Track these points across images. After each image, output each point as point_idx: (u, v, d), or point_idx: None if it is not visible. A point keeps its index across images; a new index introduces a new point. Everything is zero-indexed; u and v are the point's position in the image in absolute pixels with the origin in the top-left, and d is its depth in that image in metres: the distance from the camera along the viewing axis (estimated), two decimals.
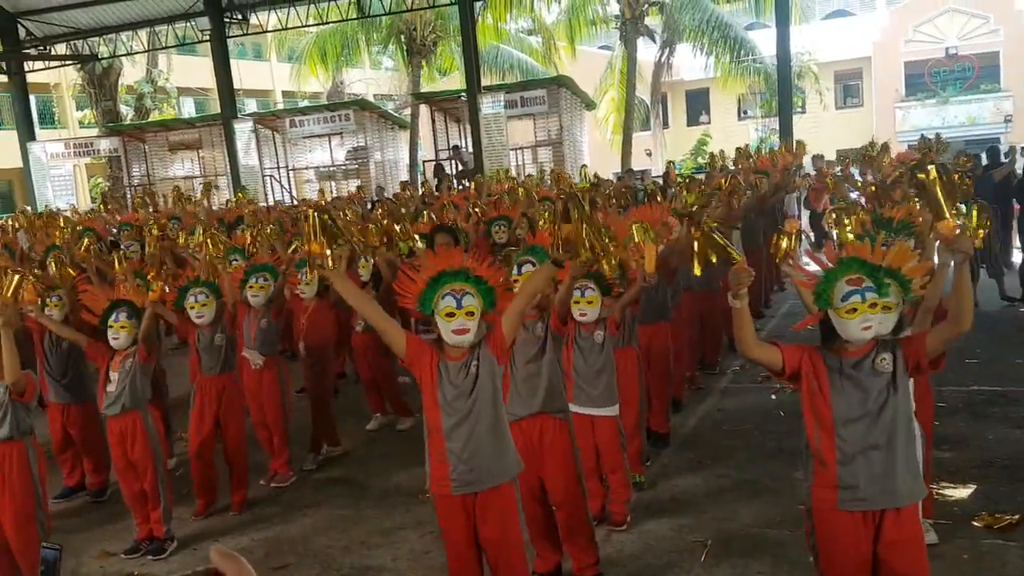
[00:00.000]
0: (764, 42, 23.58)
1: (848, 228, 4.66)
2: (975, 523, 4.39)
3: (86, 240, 8.00)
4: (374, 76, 36.90)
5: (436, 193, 14.47)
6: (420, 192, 14.43)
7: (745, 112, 34.17)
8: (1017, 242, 11.33)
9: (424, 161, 24.34)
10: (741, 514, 4.85)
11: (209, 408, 5.54)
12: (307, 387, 6.80)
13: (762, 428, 6.22)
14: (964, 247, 2.94)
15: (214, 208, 15.15)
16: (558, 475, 4.12)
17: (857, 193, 8.39)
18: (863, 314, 3.00)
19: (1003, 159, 11.94)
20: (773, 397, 6.93)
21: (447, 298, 3.42)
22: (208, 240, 5.90)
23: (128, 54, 24.41)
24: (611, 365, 4.67)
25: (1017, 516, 4.32)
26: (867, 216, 4.97)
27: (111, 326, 5.02)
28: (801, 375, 3.17)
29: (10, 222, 15.10)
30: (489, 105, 19.05)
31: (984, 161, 11.94)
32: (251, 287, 5.95)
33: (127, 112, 27.48)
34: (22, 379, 4.43)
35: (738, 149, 14.05)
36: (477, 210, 9.37)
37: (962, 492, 4.64)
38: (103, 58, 23.65)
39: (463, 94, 19.81)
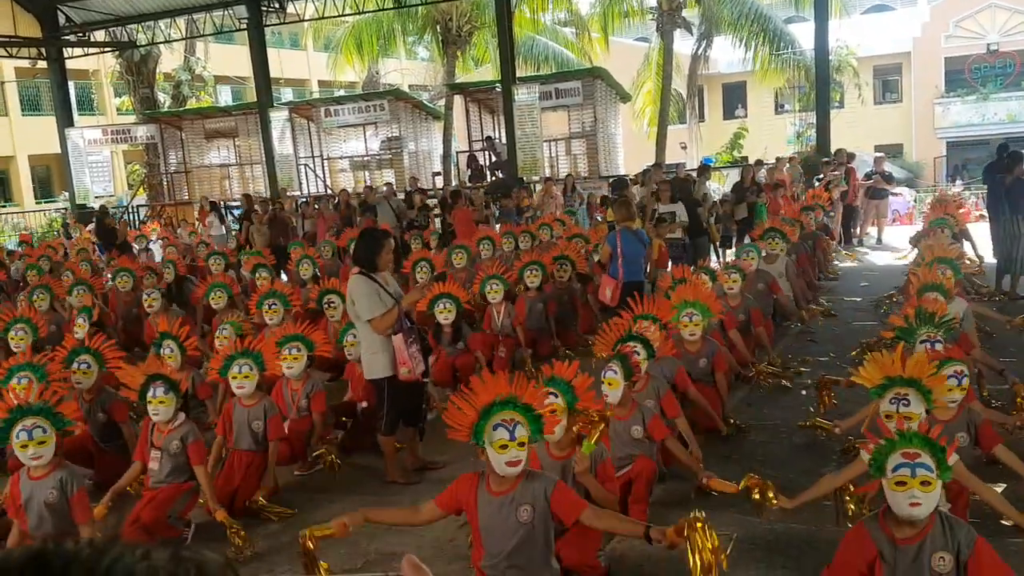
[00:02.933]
0: (803, 35, 23.27)
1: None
2: (1004, 522, 4.31)
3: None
4: (409, 66, 37.01)
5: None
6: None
7: (782, 106, 33.77)
8: None
9: (458, 152, 24.37)
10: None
11: (232, 477, 5.48)
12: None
13: (791, 423, 6.15)
14: None
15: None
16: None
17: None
18: (911, 489, 2.99)
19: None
20: (803, 393, 6.86)
21: (499, 429, 3.48)
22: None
23: (166, 41, 24.68)
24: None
25: None
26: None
27: (150, 402, 5.02)
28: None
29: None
30: (524, 96, 19.02)
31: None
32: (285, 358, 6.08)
33: (164, 99, 27.80)
34: None
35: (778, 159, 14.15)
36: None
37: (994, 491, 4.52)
38: (141, 45, 23.93)
39: (498, 85, 19.80)
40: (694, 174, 15.11)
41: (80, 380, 6.01)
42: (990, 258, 10.42)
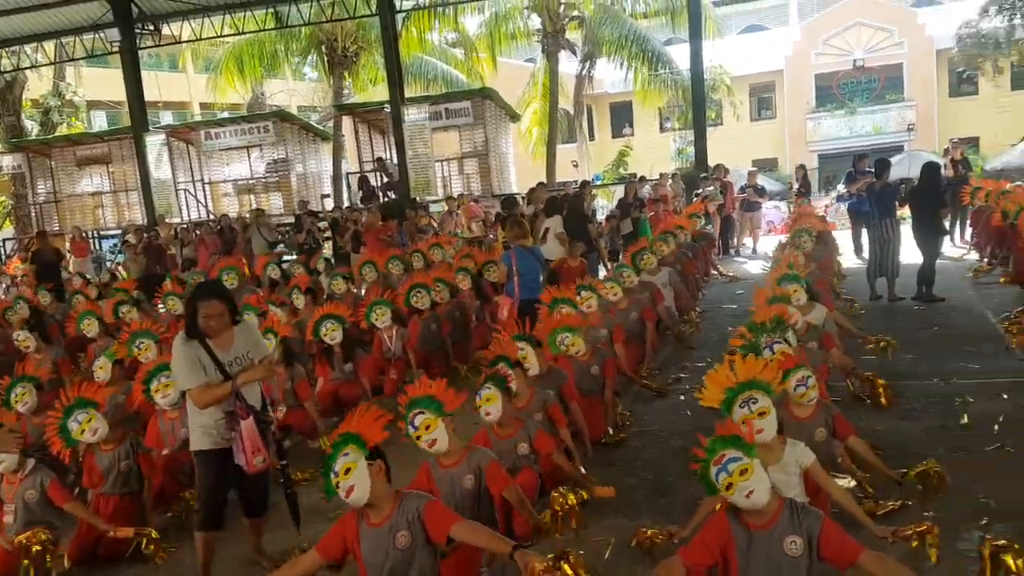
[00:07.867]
0: (681, 56, 23.95)
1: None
2: None
3: None
4: (297, 87, 36.42)
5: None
6: None
7: (667, 120, 34.71)
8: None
9: (348, 173, 24.10)
10: (644, 512, 4.88)
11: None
12: None
13: (669, 428, 6.30)
14: None
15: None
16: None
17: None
18: (736, 484, 3.15)
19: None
20: (681, 398, 7.03)
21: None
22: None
23: (33, 67, 23.70)
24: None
25: (899, 503, 4.43)
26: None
27: None
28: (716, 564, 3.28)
29: None
30: (413, 116, 18.99)
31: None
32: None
33: (32, 127, 26.59)
34: None
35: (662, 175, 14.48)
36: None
37: (849, 482, 4.67)
38: (6, 71, 22.92)
39: (386, 105, 19.67)
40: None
41: None
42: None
